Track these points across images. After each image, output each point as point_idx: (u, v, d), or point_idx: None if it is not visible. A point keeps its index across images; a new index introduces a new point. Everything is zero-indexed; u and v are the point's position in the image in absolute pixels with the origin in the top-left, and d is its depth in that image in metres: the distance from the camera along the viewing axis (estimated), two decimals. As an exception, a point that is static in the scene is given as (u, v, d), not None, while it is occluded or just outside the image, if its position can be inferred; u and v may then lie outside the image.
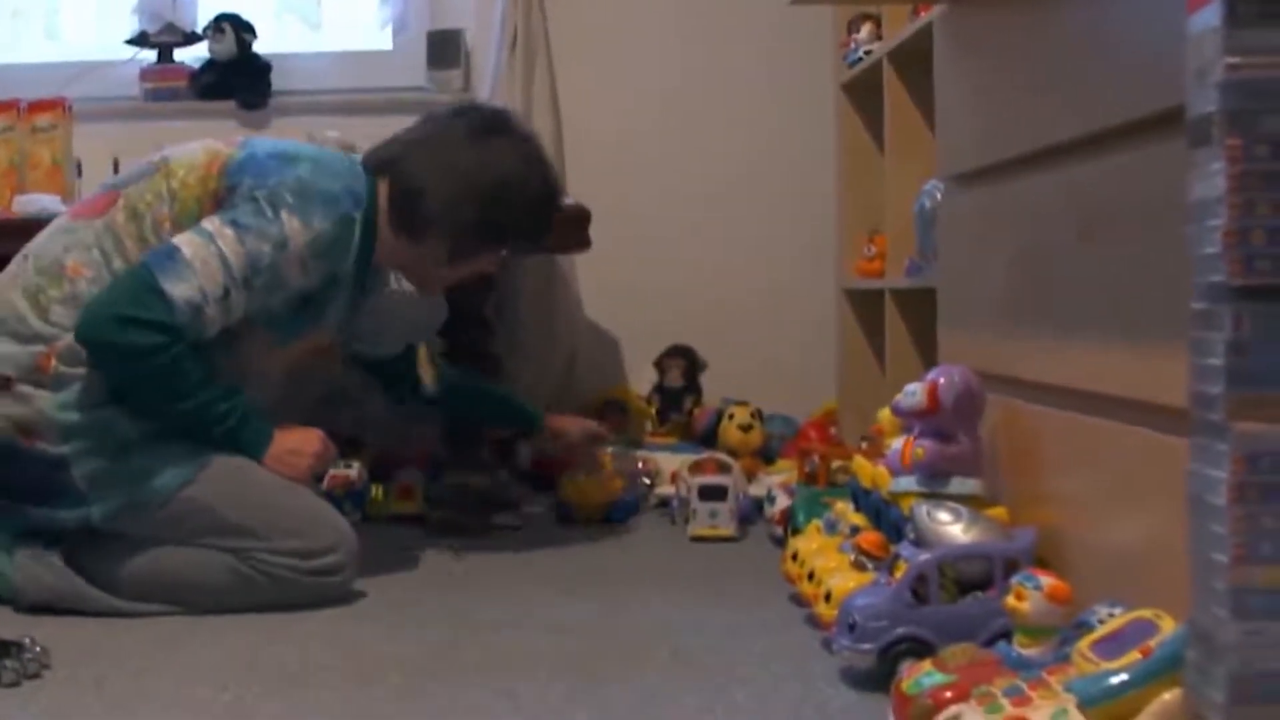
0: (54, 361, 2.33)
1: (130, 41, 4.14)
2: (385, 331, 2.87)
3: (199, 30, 4.14)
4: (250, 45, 4.10)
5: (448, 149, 2.58)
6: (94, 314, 2.32)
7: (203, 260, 2.32)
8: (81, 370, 2.33)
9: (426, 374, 3.01)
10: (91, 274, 2.38)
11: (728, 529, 2.98)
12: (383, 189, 2.57)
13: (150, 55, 4.16)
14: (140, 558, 2.35)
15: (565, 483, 3.27)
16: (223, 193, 2.42)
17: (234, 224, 2.36)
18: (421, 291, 2.79)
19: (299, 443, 2.47)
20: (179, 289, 2.30)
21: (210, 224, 2.37)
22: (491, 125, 2.65)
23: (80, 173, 3.54)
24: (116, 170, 3.35)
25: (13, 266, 2.49)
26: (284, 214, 2.38)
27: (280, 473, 2.42)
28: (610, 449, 3.35)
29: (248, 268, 2.35)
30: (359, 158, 2.63)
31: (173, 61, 4.16)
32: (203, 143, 2.54)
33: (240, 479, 2.39)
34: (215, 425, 2.38)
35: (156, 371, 2.32)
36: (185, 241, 2.34)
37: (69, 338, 2.34)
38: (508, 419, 3.23)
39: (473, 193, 2.55)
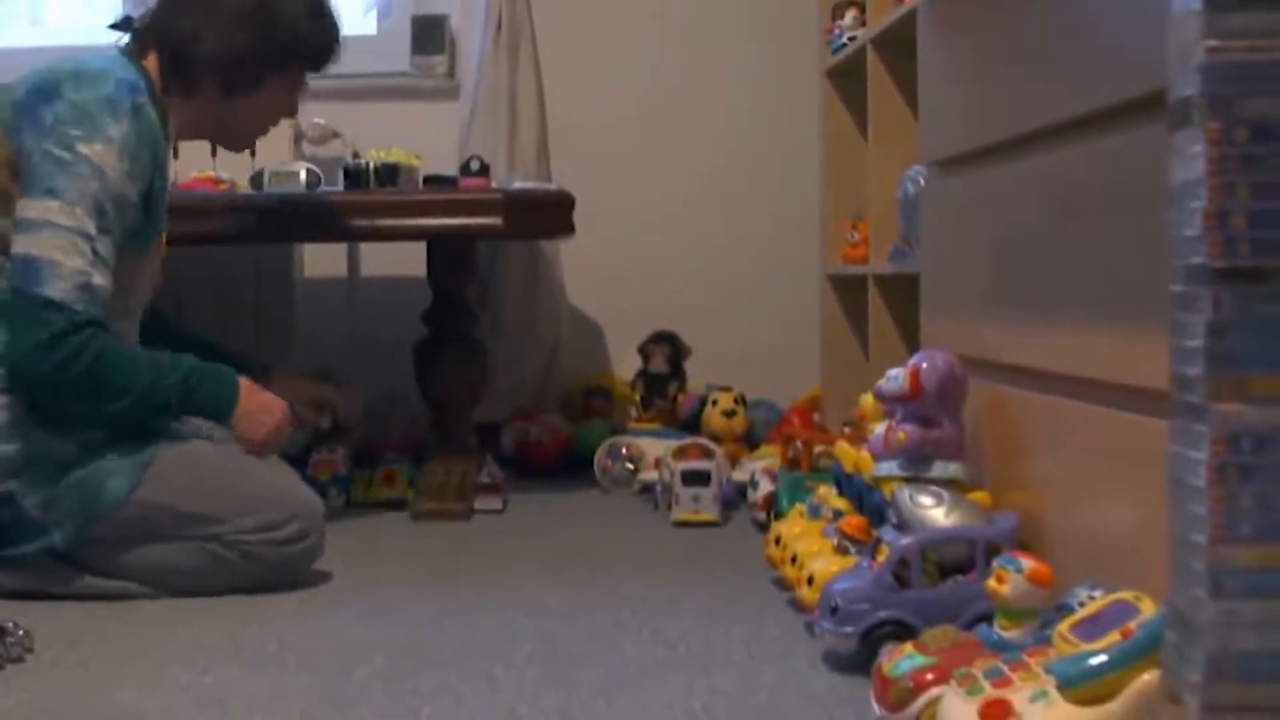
0: None
1: (114, 26, 4.12)
2: None
3: (183, 15, 4.13)
4: (234, 30, 4.08)
5: None
6: (11, 363, 2.28)
7: (55, 247, 2.27)
8: None
9: None
10: None
11: (710, 514, 2.98)
12: (153, 60, 2.54)
13: (134, 40, 4.14)
14: (115, 551, 2.34)
15: None
16: (12, 156, 2.35)
17: (50, 193, 2.30)
18: (234, 148, 2.78)
19: (266, 405, 2.47)
20: (59, 287, 2.25)
21: (31, 210, 2.29)
22: None
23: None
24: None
25: None
26: (81, 148, 2.32)
27: (243, 432, 2.42)
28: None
29: (94, 217, 2.31)
30: (112, 49, 2.57)
31: (157, 46, 4.14)
32: None
33: (189, 468, 2.37)
34: (176, 399, 2.35)
35: (93, 371, 2.28)
36: (27, 245, 2.28)
37: None
38: None
39: (247, 25, 2.54)
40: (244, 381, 2.45)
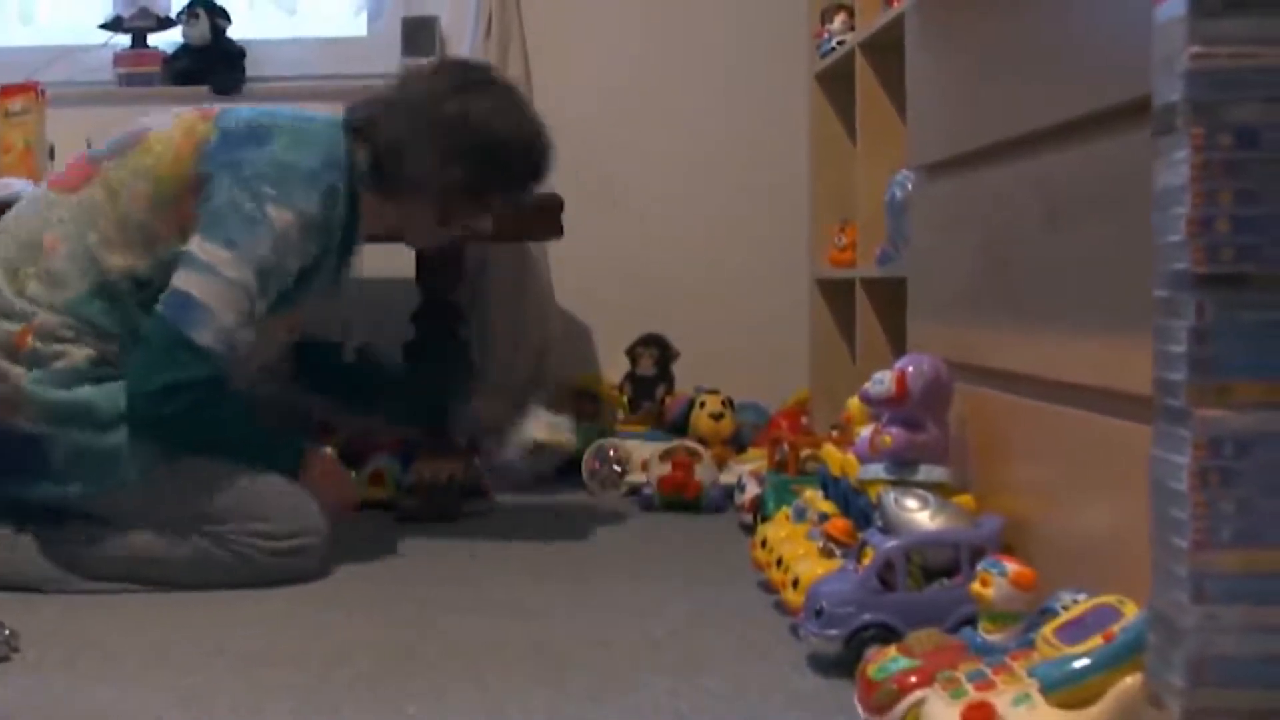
0: (30, 339, 2.34)
1: (104, 26, 4.13)
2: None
3: (173, 15, 4.13)
4: (224, 30, 4.09)
5: (428, 106, 2.54)
6: (135, 393, 2.33)
7: (216, 295, 2.33)
8: (58, 348, 2.34)
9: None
10: (67, 249, 2.38)
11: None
12: (361, 151, 2.54)
13: (124, 40, 4.14)
14: (111, 538, 2.36)
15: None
16: (197, 180, 2.41)
17: (228, 244, 2.35)
18: (414, 247, 2.85)
19: (341, 481, 2.63)
20: (205, 335, 2.32)
21: (204, 252, 2.35)
22: (472, 79, 2.62)
23: (53, 157, 3.54)
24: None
25: None
26: (268, 208, 2.37)
27: (316, 489, 2.48)
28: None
29: (256, 278, 2.37)
30: (337, 118, 2.60)
31: (147, 46, 4.14)
32: (178, 115, 2.52)
33: (209, 466, 2.39)
34: (255, 454, 2.43)
35: (207, 424, 2.37)
36: (190, 283, 2.34)
37: (45, 315, 2.34)
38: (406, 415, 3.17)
39: (458, 151, 2.52)
40: (308, 458, 2.52)
